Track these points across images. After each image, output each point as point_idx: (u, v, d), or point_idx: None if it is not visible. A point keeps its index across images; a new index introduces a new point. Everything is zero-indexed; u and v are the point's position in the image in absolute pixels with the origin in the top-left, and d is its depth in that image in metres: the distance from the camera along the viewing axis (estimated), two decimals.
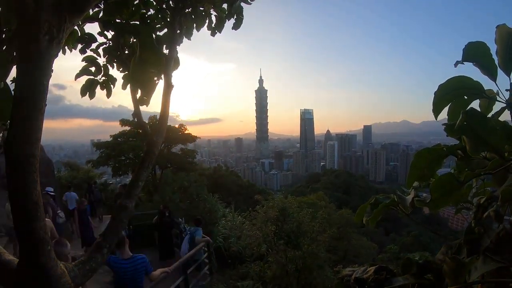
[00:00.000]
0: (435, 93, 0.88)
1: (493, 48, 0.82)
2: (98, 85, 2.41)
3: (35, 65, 1.25)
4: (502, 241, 0.77)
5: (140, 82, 2.24)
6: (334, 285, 1.03)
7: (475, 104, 0.92)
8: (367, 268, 0.95)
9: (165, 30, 2.41)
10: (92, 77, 2.37)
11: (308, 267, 7.91)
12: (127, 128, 18.25)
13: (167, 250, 7.88)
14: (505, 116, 0.85)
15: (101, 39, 2.33)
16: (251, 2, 2.41)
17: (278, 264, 7.77)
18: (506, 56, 0.79)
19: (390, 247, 21.65)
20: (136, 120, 2.30)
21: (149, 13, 2.35)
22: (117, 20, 2.23)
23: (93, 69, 2.36)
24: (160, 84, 2.28)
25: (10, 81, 1.77)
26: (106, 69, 2.40)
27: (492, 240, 0.78)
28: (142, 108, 2.28)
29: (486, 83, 0.84)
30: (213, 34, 2.54)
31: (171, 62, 2.27)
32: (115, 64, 2.42)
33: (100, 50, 2.36)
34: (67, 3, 1.32)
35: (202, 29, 2.49)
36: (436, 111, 0.89)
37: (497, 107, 0.87)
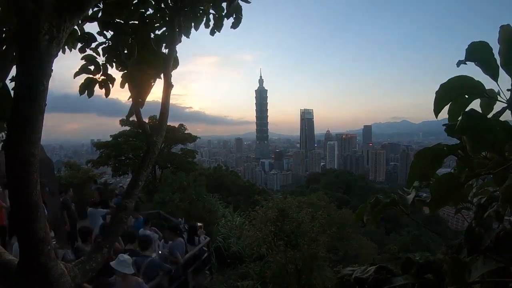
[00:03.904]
0: (436, 93, 0.88)
1: (495, 48, 0.81)
2: (97, 84, 2.41)
3: (35, 65, 1.25)
4: (502, 241, 0.77)
5: (137, 83, 2.24)
6: (334, 285, 1.03)
7: (476, 104, 0.92)
8: (367, 268, 0.95)
9: (164, 29, 2.41)
10: (91, 75, 2.37)
11: (308, 267, 7.91)
12: (127, 128, 18.24)
13: None
14: (506, 116, 0.85)
15: (100, 39, 2.33)
16: (250, 1, 2.41)
17: (278, 264, 7.77)
18: (509, 56, 0.79)
19: (390, 247, 21.66)
20: (135, 119, 2.30)
21: (148, 12, 2.35)
22: (117, 20, 2.23)
23: (92, 67, 2.36)
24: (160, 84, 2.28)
25: (9, 80, 1.77)
26: (105, 68, 2.40)
27: (492, 240, 0.78)
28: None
29: (488, 83, 0.84)
30: (212, 33, 2.54)
31: (171, 62, 2.27)
32: (114, 63, 2.42)
33: (100, 50, 2.36)
34: (67, 3, 1.32)
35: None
36: (437, 110, 0.89)
37: (498, 107, 0.87)
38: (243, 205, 18.36)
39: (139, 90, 2.24)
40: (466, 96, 0.87)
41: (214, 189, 18.23)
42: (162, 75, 2.29)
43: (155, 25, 2.39)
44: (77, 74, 2.33)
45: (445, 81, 0.86)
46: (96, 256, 1.69)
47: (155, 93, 2.38)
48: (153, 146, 2.10)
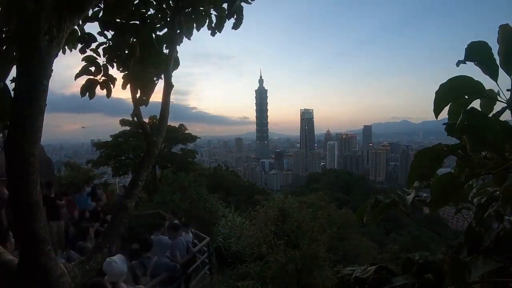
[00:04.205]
0: (436, 93, 0.88)
1: (494, 48, 0.81)
2: (98, 85, 2.41)
3: (35, 65, 1.25)
4: (502, 241, 0.77)
5: (140, 82, 2.25)
6: (334, 285, 1.03)
7: (476, 104, 0.92)
8: (367, 268, 0.95)
9: (165, 29, 2.41)
10: (92, 77, 2.37)
11: (308, 267, 7.91)
12: (127, 128, 18.23)
13: None
14: (506, 116, 0.85)
15: (101, 39, 2.33)
16: (251, 2, 2.41)
17: (278, 264, 7.77)
18: (508, 55, 0.79)
19: (390, 247, 21.64)
20: (136, 120, 2.30)
21: (149, 12, 2.35)
22: (117, 20, 2.23)
23: (93, 69, 2.36)
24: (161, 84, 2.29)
25: (10, 80, 1.78)
26: (106, 69, 2.40)
27: (492, 240, 0.78)
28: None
29: (487, 83, 0.84)
30: (213, 34, 2.54)
31: (171, 62, 2.27)
32: (115, 64, 2.42)
33: (100, 50, 2.36)
34: (67, 3, 1.32)
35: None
36: (437, 110, 0.89)
37: (498, 106, 0.86)
38: (243, 205, 18.36)
39: (142, 89, 2.24)
40: (466, 97, 0.87)
41: (214, 189, 18.23)
42: (162, 76, 2.29)
43: (156, 25, 2.39)
44: (78, 75, 2.33)
45: (445, 81, 0.86)
46: (96, 256, 1.69)
47: (156, 93, 2.38)
48: (153, 146, 2.10)
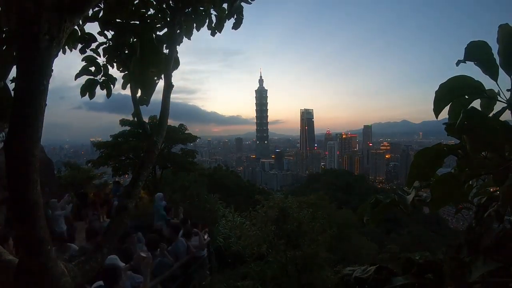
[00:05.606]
0: (436, 93, 0.87)
1: (495, 48, 0.81)
2: (98, 85, 2.41)
3: (35, 65, 1.25)
4: (502, 241, 0.77)
5: (140, 82, 2.25)
6: (334, 285, 1.03)
7: (476, 104, 0.92)
8: (367, 268, 0.95)
9: (165, 29, 2.41)
10: (92, 77, 2.37)
11: (308, 267, 7.91)
12: (127, 128, 18.22)
13: None
14: (506, 116, 0.85)
15: (101, 39, 2.33)
16: (251, 2, 2.41)
17: (278, 264, 7.78)
18: (508, 55, 0.78)
19: (390, 247, 21.61)
20: (136, 119, 2.30)
21: (149, 12, 2.35)
22: (117, 20, 2.23)
23: (93, 69, 2.36)
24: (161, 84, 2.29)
25: (10, 81, 1.78)
26: (106, 69, 2.40)
27: (492, 240, 0.78)
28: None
29: (488, 82, 0.84)
30: (213, 34, 2.54)
31: (171, 62, 2.27)
32: (115, 64, 2.42)
33: (100, 50, 2.36)
34: (67, 3, 1.32)
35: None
36: (437, 110, 0.89)
37: (498, 106, 0.86)
38: (243, 205, 18.36)
39: (143, 89, 2.24)
40: (466, 97, 0.87)
41: (214, 189, 18.22)
42: (162, 76, 2.29)
43: (157, 25, 2.39)
44: (78, 75, 2.33)
45: (445, 81, 0.86)
46: (96, 256, 1.69)
47: (158, 93, 2.38)
48: (153, 146, 2.10)
